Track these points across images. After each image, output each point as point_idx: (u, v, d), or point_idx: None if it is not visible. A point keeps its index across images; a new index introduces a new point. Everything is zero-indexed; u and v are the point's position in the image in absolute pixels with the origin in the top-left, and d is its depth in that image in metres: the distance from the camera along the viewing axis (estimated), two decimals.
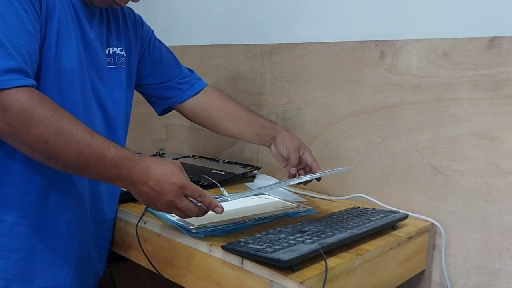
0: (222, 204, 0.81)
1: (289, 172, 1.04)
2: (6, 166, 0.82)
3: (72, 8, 0.85)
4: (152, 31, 1.10)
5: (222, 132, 1.14)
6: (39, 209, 0.84)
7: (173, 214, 0.92)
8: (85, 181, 0.90)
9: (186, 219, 0.90)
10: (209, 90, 1.13)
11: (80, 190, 0.89)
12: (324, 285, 0.70)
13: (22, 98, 0.69)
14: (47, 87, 0.80)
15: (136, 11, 1.08)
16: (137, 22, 1.05)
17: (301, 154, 1.04)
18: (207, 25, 1.51)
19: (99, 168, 0.73)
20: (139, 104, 1.16)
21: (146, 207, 0.95)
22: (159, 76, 1.09)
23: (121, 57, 0.97)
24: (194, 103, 1.11)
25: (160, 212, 0.93)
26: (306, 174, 1.03)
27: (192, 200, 0.78)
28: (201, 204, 0.79)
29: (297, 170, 1.04)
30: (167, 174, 0.76)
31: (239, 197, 0.88)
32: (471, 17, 0.97)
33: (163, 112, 1.13)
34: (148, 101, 1.13)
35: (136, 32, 1.03)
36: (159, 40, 1.12)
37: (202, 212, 0.80)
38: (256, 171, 1.32)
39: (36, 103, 0.70)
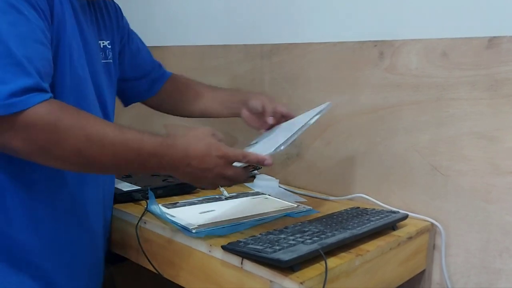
0: (222, 204, 0.82)
1: (268, 121, 0.98)
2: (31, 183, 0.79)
3: (70, 5, 0.80)
4: (127, 22, 1.06)
5: (188, 114, 1.11)
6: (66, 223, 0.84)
7: (174, 215, 0.93)
8: (100, 187, 0.90)
9: (186, 219, 0.90)
10: (171, 78, 1.12)
11: (98, 196, 0.90)
12: (324, 285, 0.70)
13: (44, 113, 0.66)
14: (64, 99, 0.75)
15: (135, 12, 1.08)
16: (118, 12, 1.01)
17: (275, 106, 1.00)
18: (207, 26, 1.51)
19: (138, 163, 0.72)
20: (139, 103, 1.16)
21: (146, 207, 0.95)
22: (136, 70, 1.06)
23: (110, 51, 0.94)
24: (160, 93, 1.10)
25: (160, 212, 0.93)
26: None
27: (238, 164, 0.77)
28: (247, 165, 0.78)
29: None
30: (208, 149, 0.75)
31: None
32: (470, 17, 0.97)
33: (129, 104, 1.12)
34: (118, 94, 1.05)
35: (117, 23, 0.99)
36: (133, 31, 1.09)
37: (248, 173, 0.81)
38: (256, 171, 1.32)
39: (58, 114, 0.67)
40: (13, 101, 0.63)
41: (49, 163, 0.70)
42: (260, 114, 1.01)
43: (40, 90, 0.66)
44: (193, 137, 0.77)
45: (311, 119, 0.91)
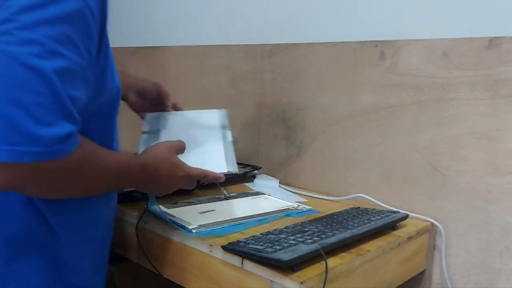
0: (222, 204, 0.82)
1: (168, 105, 1.07)
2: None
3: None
4: None
5: None
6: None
7: (174, 215, 0.93)
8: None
9: (186, 219, 0.90)
10: None
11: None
12: (324, 285, 0.70)
13: (74, 160, 0.63)
14: (105, 113, 0.76)
15: (135, 12, 1.08)
16: None
17: (166, 92, 1.07)
18: (207, 26, 1.51)
19: (119, 184, 0.78)
20: None
21: (146, 207, 0.95)
22: None
23: None
24: None
25: (160, 212, 0.93)
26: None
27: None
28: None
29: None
30: (174, 170, 0.82)
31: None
32: (471, 17, 0.98)
33: None
34: None
35: None
36: None
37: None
38: (256, 171, 1.32)
39: (87, 160, 0.67)
40: (57, 148, 0.60)
41: (48, 196, 0.70)
42: (145, 99, 1.07)
43: (77, 133, 0.64)
44: (161, 159, 0.81)
45: (227, 135, 1.04)
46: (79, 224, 0.78)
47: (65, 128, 0.60)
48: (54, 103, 0.59)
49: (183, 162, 0.84)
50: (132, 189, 1.04)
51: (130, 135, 1.08)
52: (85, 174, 0.68)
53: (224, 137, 1.02)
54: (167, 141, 0.86)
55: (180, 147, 0.86)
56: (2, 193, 0.69)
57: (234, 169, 0.92)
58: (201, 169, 0.86)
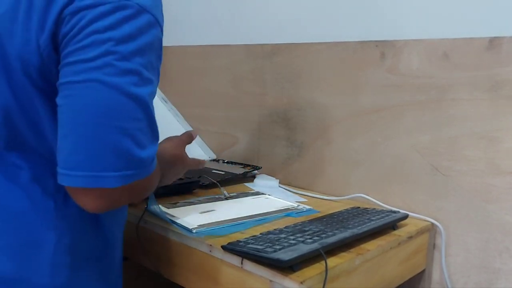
0: (222, 204, 0.82)
1: None
2: None
3: None
4: None
5: None
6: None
7: (174, 215, 0.93)
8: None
9: (186, 219, 0.90)
10: None
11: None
12: (324, 285, 0.70)
13: (150, 178, 0.67)
14: None
15: None
16: None
17: None
18: (208, 26, 1.51)
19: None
20: None
21: (146, 207, 0.95)
22: None
23: None
24: None
25: (160, 212, 0.93)
26: None
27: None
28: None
29: None
30: (177, 161, 0.87)
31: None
32: (471, 17, 0.98)
33: None
34: None
35: None
36: None
37: None
38: (256, 171, 1.32)
39: (157, 173, 0.71)
40: (151, 167, 0.65)
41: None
42: None
43: None
44: (173, 153, 0.86)
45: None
46: (120, 228, 0.81)
47: (154, 148, 0.66)
48: (148, 127, 0.64)
49: (185, 155, 0.89)
50: None
51: None
52: (157, 180, 0.73)
53: (187, 128, 1.04)
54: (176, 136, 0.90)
55: (188, 139, 0.91)
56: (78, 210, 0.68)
57: (212, 155, 0.97)
58: (197, 159, 0.91)
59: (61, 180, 0.61)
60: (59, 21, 0.59)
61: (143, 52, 0.62)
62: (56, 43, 0.60)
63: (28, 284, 0.67)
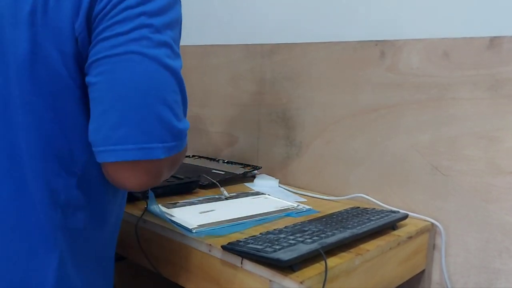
0: (222, 204, 0.81)
1: None
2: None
3: None
4: None
5: None
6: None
7: (173, 215, 0.93)
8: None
9: (186, 219, 0.90)
10: None
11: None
12: (324, 285, 0.70)
13: (183, 152, 0.68)
14: None
15: None
16: None
17: None
18: (207, 25, 1.51)
19: None
20: None
21: (146, 207, 0.95)
22: None
23: None
24: None
25: (160, 212, 0.93)
26: None
27: None
28: None
29: None
30: None
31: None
32: (471, 17, 0.97)
33: None
34: None
35: None
36: None
37: None
38: (256, 171, 1.32)
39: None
40: (186, 140, 0.65)
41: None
42: None
43: None
44: None
45: None
46: (117, 222, 0.79)
47: (187, 123, 0.65)
48: (182, 101, 0.64)
49: None
50: None
51: None
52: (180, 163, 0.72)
53: None
54: None
55: None
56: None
57: None
58: None
59: (105, 157, 0.59)
60: (93, 1, 0.59)
61: (173, 26, 0.63)
62: (89, 24, 0.60)
63: None
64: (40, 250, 0.64)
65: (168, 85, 0.61)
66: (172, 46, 0.63)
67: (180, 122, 0.62)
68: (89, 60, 0.60)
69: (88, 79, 0.60)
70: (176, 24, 0.65)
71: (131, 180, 0.61)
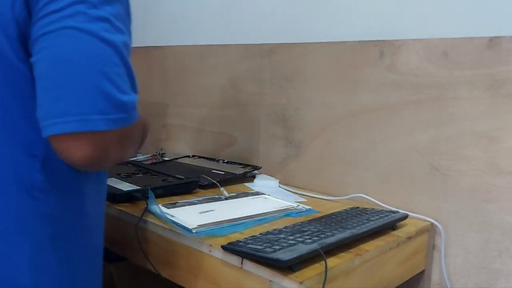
0: (222, 204, 0.82)
1: None
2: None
3: None
4: None
5: None
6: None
7: (173, 215, 0.93)
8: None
9: (186, 219, 0.90)
10: None
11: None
12: (324, 285, 0.70)
13: (138, 124, 0.69)
14: None
15: (135, 11, 1.08)
16: None
17: None
18: (206, 25, 1.51)
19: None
20: (139, 103, 1.16)
21: (146, 207, 0.95)
22: None
23: None
24: None
25: (160, 212, 0.93)
26: None
27: None
28: None
29: None
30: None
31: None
32: (471, 16, 0.97)
33: None
34: None
35: None
36: None
37: None
38: (256, 171, 1.32)
39: (141, 122, 0.73)
40: (134, 114, 0.65)
41: (114, 162, 0.71)
42: None
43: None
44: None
45: None
46: (101, 214, 0.81)
47: (134, 96, 0.65)
48: (125, 74, 0.64)
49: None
50: (132, 189, 1.04)
51: None
52: (139, 134, 0.76)
53: None
54: None
55: None
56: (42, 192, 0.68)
57: None
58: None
59: (48, 131, 0.60)
60: None
61: (111, 2, 0.63)
62: (28, 5, 0.61)
63: (8, 284, 0.66)
64: (11, 235, 0.66)
65: (107, 58, 0.61)
66: (111, 21, 0.63)
67: (124, 94, 0.62)
68: (30, 41, 0.62)
69: (31, 59, 0.62)
70: (117, 1, 0.65)
71: (75, 153, 0.61)
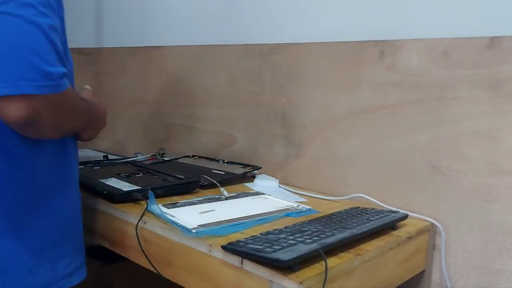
0: (222, 204, 0.82)
1: None
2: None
3: None
4: None
5: None
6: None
7: (173, 215, 0.93)
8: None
9: (186, 219, 0.90)
10: None
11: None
12: (324, 285, 0.70)
13: (71, 95, 0.81)
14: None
15: (134, 11, 1.08)
16: None
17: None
18: (206, 25, 1.51)
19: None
20: (139, 103, 1.16)
21: (146, 207, 0.95)
22: None
23: None
24: None
25: (160, 212, 0.93)
26: None
27: None
28: None
29: None
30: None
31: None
32: (471, 16, 0.97)
33: None
34: None
35: None
36: None
37: None
38: (256, 171, 1.32)
39: (75, 96, 0.84)
40: (62, 82, 0.75)
41: (55, 132, 0.83)
42: None
43: (67, 77, 0.79)
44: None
45: None
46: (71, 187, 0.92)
47: (62, 69, 0.75)
48: (52, 50, 0.73)
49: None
50: (132, 189, 1.04)
51: (130, 134, 1.07)
52: (77, 108, 0.85)
53: None
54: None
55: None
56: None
57: None
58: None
59: None
60: None
61: None
62: None
63: None
64: None
65: (35, 37, 0.71)
66: (37, 7, 0.72)
67: (50, 66, 0.72)
68: None
69: None
70: None
71: (10, 114, 0.71)
